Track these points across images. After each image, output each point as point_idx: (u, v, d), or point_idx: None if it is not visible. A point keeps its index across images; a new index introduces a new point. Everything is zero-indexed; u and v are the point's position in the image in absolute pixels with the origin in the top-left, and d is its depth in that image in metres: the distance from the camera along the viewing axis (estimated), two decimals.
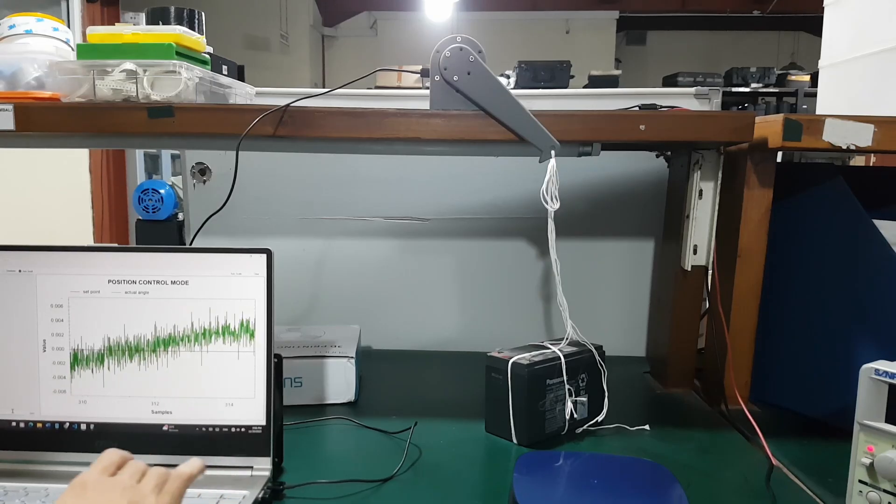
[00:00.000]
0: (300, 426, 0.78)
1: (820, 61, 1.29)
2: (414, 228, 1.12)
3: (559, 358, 0.75)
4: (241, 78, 0.92)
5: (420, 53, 5.22)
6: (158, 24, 0.83)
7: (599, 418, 0.79)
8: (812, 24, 5.55)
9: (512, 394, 0.73)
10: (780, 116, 0.75)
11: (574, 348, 0.78)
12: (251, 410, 0.63)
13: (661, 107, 0.82)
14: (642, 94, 1.07)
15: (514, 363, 0.73)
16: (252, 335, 0.64)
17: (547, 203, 0.72)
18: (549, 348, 0.77)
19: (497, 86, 0.72)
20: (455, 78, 0.72)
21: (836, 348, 0.77)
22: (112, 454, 0.50)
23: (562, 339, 0.79)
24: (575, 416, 0.76)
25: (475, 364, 1.06)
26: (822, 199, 0.81)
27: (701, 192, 0.86)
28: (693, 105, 1.08)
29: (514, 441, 0.74)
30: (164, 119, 0.73)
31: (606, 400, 0.79)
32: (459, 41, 0.73)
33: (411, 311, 1.13)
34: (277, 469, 0.65)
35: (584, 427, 0.78)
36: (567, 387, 0.75)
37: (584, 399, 0.77)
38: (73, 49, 0.83)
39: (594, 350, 0.79)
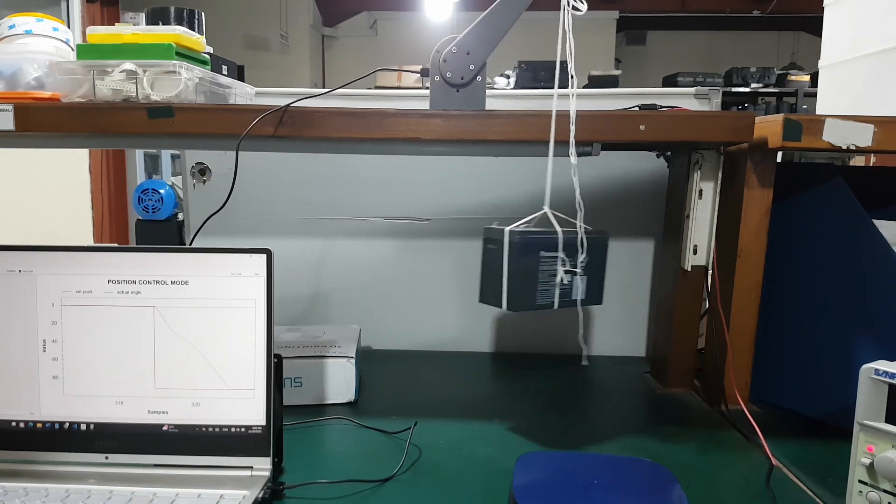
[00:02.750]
0: (300, 426, 0.78)
1: (820, 61, 1.29)
2: (414, 228, 1.12)
3: (556, 233, 0.73)
4: (240, 78, 0.92)
5: (420, 53, 5.24)
6: (158, 24, 0.83)
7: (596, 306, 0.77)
8: (812, 24, 5.56)
9: (507, 261, 0.72)
10: (779, 116, 0.75)
11: (578, 232, 0.75)
12: (251, 410, 0.63)
13: (661, 107, 0.82)
14: (642, 94, 1.07)
15: (510, 231, 0.72)
16: (252, 335, 0.64)
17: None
18: (552, 226, 0.75)
19: None
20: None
21: (835, 348, 0.77)
22: None
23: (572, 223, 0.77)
24: (565, 283, 0.74)
25: (475, 364, 1.07)
26: (822, 199, 0.81)
27: (701, 192, 0.86)
28: (693, 105, 1.08)
29: (504, 307, 0.73)
30: (163, 119, 0.73)
31: (605, 293, 0.78)
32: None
33: (411, 311, 1.13)
34: (277, 469, 0.65)
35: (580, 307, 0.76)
36: (562, 258, 0.73)
37: (580, 277, 0.75)
38: (72, 49, 0.83)
39: (602, 239, 0.76)
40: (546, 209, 0.75)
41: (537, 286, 0.73)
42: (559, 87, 0.72)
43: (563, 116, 0.73)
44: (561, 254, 0.73)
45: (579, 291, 0.76)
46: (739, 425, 0.80)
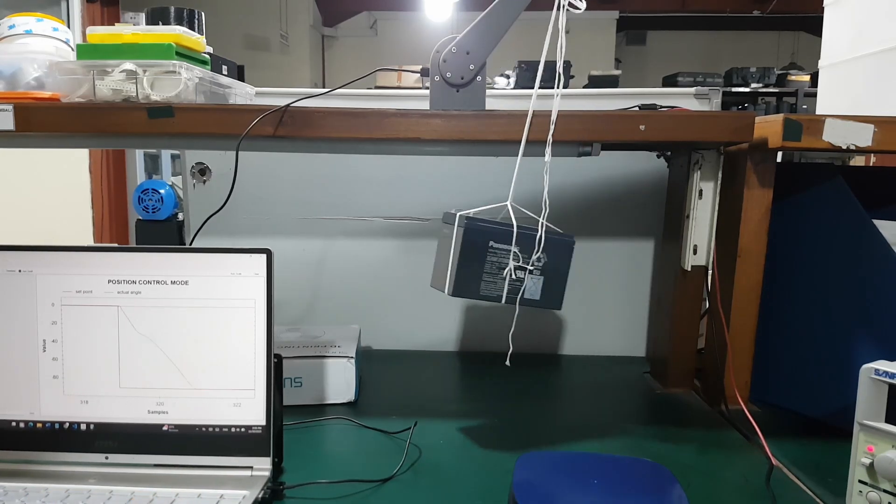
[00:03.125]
0: (300, 426, 0.78)
1: (820, 61, 1.29)
2: (414, 228, 1.12)
3: (512, 227, 0.72)
4: (240, 78, 0.92)
5: (420, 53, 5.24)
6: (158, 24, 0.83)
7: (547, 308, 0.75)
8: (812, 24, 5.56)
9: (454, 245, 0.71)
10: (779, 116, 0.75)
11: (540, 231, 0.73)
12: (251, 410, 0.64)
13: (661, 107, 0.82)
14: (642, 94, 1.07)
15: (460, 215, 0.72)
16: (252, 335, 0.64)
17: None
18: (514, 222, 0.73)
19: None
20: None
21: (835, 348, 0.77)
22: None
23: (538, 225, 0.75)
24: (514, 278, 0.73)
25: (475, 364, 1.07)
26: (822, 199, 0.81)
27: (701, 191, 0.86)
28: (693, 105, 1.08)
29: (447, 292, 0.72)
30: (163, 119, 0.73)
31: (565, 298, 0.75)
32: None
33: (411, 311, 1.13)
34: (277, 469, 0.65)
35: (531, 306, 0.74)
36: (515, 252, 0.72)
37: (535, 277, 0.73)
38: (72, 49, 0.83)
39: (565, 242, 0.74)
40: (509, 203, 0.74)
41: (482, 276, 0.72)
42: (553, 87, 0.72)
43: (564, 116, 0.73)
44: (514, 248, 0.72)
45: (531, 290, 0.74)
46: (739, 425, 0.80)
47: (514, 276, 0.73)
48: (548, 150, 0.72)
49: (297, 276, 1.12)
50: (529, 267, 0.73)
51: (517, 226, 0.72)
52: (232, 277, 0.64)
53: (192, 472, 0.62)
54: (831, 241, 0.80)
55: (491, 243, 0.72)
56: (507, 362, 0.79)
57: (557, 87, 0.72)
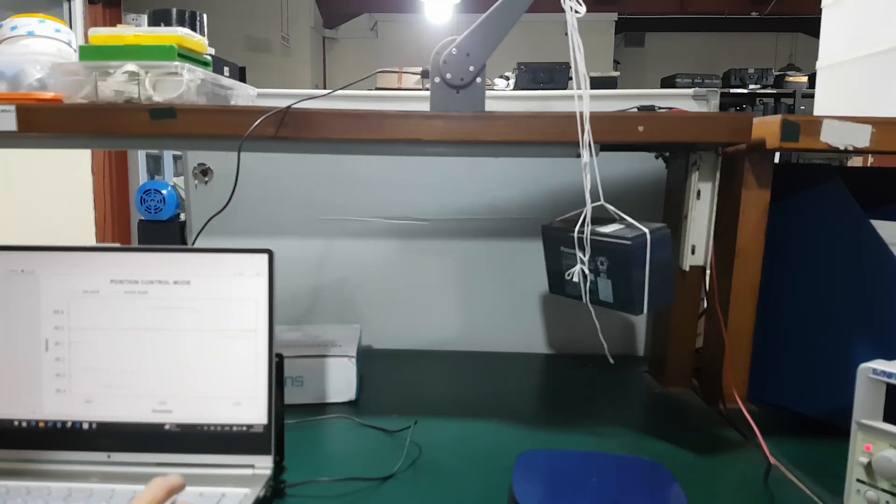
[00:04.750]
0: (301, 425, 0.79)
1: (818, 62, 1.29)
2: (414, 229, 1.12)
3: (573, 232, 0.74)
4: (242, 79, 0.92)
5: (420, 55, 5.24)
6: (160, 25, 0.83)
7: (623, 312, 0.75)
8: (810, 26, 5.57)
9: (544, 248, 0.81)
10: (777, 117, 0.76)
11: (614, 238, 0.72)
12: (253, 409, 0.64)
13: (660, 108, 0.83)
14: (641, 96, 1.08)
15: (543, 224, 0.80)
16: (254, 335, 0.64)
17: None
18: (588, 225, 0.73)
19: None
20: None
21: (833, 348, 0.78)
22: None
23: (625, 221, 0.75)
24: (586, 284, 0.75)
25: (475, 364, 1.07)
26: (820, 199, 0.82)
27: (699, 192, 0.87)
28: (691, 106, 1.08)
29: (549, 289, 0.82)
30: (166, 120, 0.73)
31: (646, 301, 0.73)
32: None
33: (411, 311, 1.14)
34: (278, 467, 0.65)
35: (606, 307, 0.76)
36: (580, 257, 0.74)
37: (604, 281, 0.74)
38: (75, 50, 0.84)
39: (620, 245, 0.72)
40: (602, 203, 0.74)
41: (563, 276, 0.77)
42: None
43: (563, 117, 0.74)
44: (578, 252, 0.75)
45: (604, 293, 0.76)
46: (737, 424, 0.80)
47: (587, 279, 0.75)
48: (584, 150, 0.72)
49: (299, 275, 1.13)
50: (586, 270, 0.75)
51: (577, 230, 0.73)
52: (234, 277, 0.64)
53: (194, 471, 0.62)
54: (829, 242, 0.80)
55: (561, 248, 0.76)
56: (610, 360, 0.83)
57: (585, 88, 0.71)
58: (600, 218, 0.76)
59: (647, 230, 0.72)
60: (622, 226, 0.74)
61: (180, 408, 0.64)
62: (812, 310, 0.82)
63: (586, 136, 0.71)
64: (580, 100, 0.70)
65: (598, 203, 0.74)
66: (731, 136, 0.75)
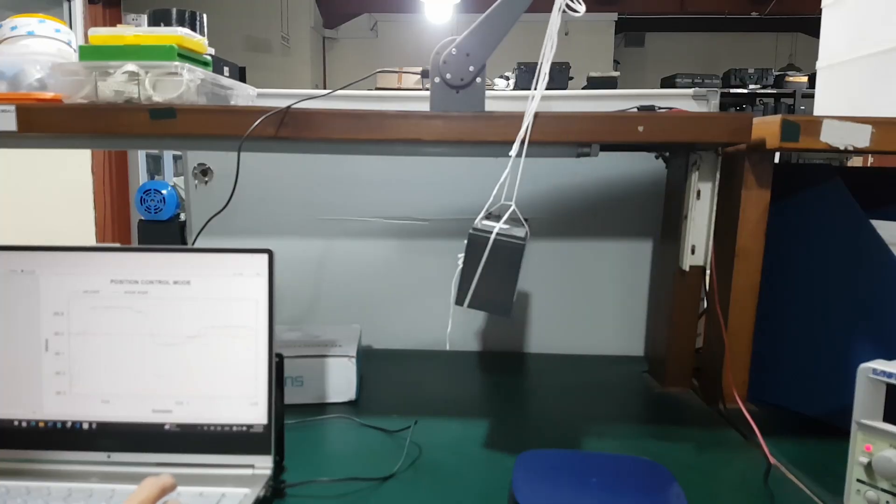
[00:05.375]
0: (301, 425, 0.79)
1: (818, 62, 1.29)
2: (414, 229, 1.12)
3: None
4: (242, 79, 0.92)
5: (420, 55, 5.24)
6: (160, 25, 0.83)
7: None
8: (810, 26, 5.57)
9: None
10: (777, 117, 0.76)
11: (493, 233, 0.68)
12: (253, 409, 0.64)
13: (660, 108, 0.83)
14: (641, 96, 1.08)
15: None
16: (254, 335, 0.64)
17: None
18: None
19: None
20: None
21: (833, 348, 0.78)
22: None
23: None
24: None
25: (475, 364, 1.07)
26: (820, 199, 0.82)
27: (699, 192, 0.87)
28: (691, 106, 1.08)
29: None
30: (166, 120, 0.73)
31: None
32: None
33: (411, 311, 1.14)
34: (279, 467, 0.65)
35: None
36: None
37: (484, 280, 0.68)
38: (75, 50, 0.84)
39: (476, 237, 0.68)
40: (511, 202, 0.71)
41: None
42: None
43: (563, 117, 0.74)
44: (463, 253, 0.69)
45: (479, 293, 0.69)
46: (737, 424, 0.80)
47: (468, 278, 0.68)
48: (519, 147, 0.71)
49: (299, 275, 1.13)
50: (461, 265, 0.69)
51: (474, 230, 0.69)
52: (234, 277, 0.64)
53: (194, 471, 0.62)
54: (829, 242, 0.80)
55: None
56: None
57: (540, 88, 0.70)
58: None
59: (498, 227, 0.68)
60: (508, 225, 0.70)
61: (180, 408, 0.64)
62: (812, 310, 0.82)
63: (526, 136, 0.70)
64: (532, 100, 0.70)
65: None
66: (731, 136, 0.75)
